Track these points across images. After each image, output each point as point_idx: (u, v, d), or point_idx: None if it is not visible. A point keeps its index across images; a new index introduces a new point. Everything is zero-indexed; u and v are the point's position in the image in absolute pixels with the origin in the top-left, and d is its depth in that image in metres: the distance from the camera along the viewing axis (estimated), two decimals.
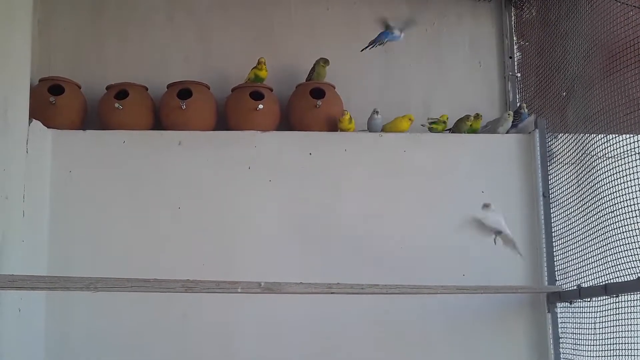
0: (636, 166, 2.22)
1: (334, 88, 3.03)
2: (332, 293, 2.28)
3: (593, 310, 2.47)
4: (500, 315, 2.79)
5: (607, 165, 2.43)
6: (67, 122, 2.85)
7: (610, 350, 2.33)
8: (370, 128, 2.94)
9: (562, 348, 2.71)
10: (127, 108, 2.86)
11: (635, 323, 2.23)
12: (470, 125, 2.96)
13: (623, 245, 2.26)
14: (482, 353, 2.78)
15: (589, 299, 2.48)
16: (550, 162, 2.87)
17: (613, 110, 2.37)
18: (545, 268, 2.80)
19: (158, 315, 2.69)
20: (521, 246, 2.83)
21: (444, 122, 3.02)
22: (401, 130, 2.94)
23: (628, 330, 2.25)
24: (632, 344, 2.22)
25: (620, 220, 2.29)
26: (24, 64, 2.57)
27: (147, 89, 2.98)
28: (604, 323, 2.39)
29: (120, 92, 2.89)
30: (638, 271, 2.15)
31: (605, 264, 2.38)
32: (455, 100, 3.16)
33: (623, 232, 2.27)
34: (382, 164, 2.88)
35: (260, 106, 2.88)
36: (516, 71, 3.23)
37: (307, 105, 2.94)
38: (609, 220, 2.39)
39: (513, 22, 3.27)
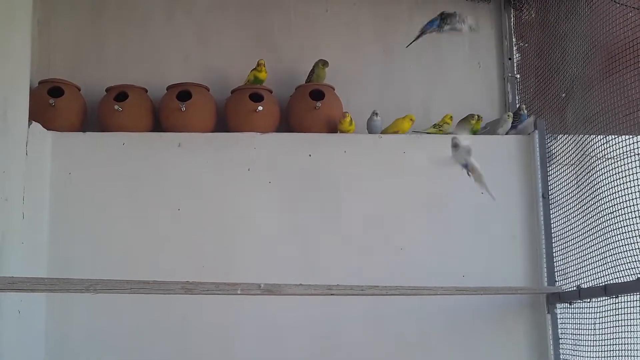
0: (635, 167, 2.22)
1: (334, 89, 3.03)
2: (331, 295, 2.28)
3: (593, 311, 2.47)
4: (500, 316, 2.79)
5: (606, 167, 2.43)
6: (67, 124, 2.85)
7: (610, 350, 2.32)
8: (370, 129, 2.94)
9: (562, 349, 2.72)
10: (126, 110, 2.86)
11: (634, 324, 2.23)
12: (473, 126, 2.96)
13: (622, 246, 2.26)
14: (482, 354, 2.78)
15: (588, 300, 2.49)
16: (549, 163, 2.87)
17: (612, 111, 2.37)
18: (545, 269, 2.80)
19: (158, 317, 2.70)
20: (521, 247, 2.84)
21: (439, 126, 3.02)
22: (402, 130, 2.94)
23: (628, 331, 2.25)
24: (632, 345, 2.22)
25: (620, 221, 2.29)
26: (24, 65, 2.57)
27: (146, 91, 2.99)
28: (603, 324, 2.39)
29: (120, 94, 2.90)
30: (637, 272, 2.16)
31: (605, 265, 2.39)
32: (454, 101, 3.17)
33: (622, 233, 2.27)
34: (381, 165, 2.88)
35: (260, 108, 2.88)
36: (515, 72, 3.24)
37: (306, 107, 2.95)
38: (608, 221, 2.39)
39: (512, 24, 3.27)
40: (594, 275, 2.46)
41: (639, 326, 2.22)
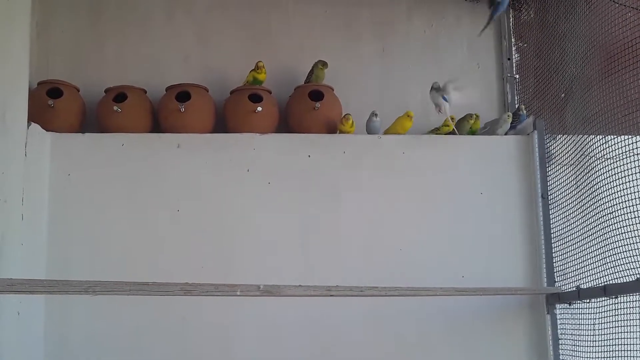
0: (635, 167, 2.22)
1: (333, 90, 3.03)
2: (331, 295, 2.28)
3: (592, 312, 2.47)
4: (499, 317, 2.79)
5: (605, 167, 2.42)
6: (66, 125, 2.85)
7: (610, 351, 2.32)
8: (369, 130, 2.94)
9: (562, 349, 2.72)
10: (125, 111, 2.86)
11: (634, 324, 2.22)
12: (471, 126, 2.96)
13: (622, 246, 2.26)
14: (482, 355, 2.78)
15: (588, 300, 2.48)
16: (549, 164, 2.87)
17: (611, 111, 2.37)
18: (544, 269, 2.80)
19: (157, 318, 2.69)
20: (520, 247, 2.84)
21: (437, 129, 3.04)
22: (404, 129, 2.94)
23: (627, 332, 2.24)
24: (631, 345, 2.21)
25: (619, 222, 2.29)
26: (23, 66, 2.57)
27: (145, 92, 2.99)
28: (603, 324, 2.38)
29: (119, 95, 2.89)
30: (637, 272, 2.15)
31: (604, 265, 2.38)
32: (453, 102, 3.16)
33: (622, 233, 2.26)
34: (381, 165, 2.88)
35: (259, 108, 2.88)
36: (514, 72, 3.23)
37: (305, 108, 2.95)
38: (607, 222, 2.39)
39: (511, 24, 3.27)
40: (594, 275, 2.45)
41: (638, 327, 2.21)
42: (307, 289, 2.26)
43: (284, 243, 2.79)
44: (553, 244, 2.79)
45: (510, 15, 3.28)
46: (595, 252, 2.46)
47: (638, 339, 2.20)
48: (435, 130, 3.05)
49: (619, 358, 2.27)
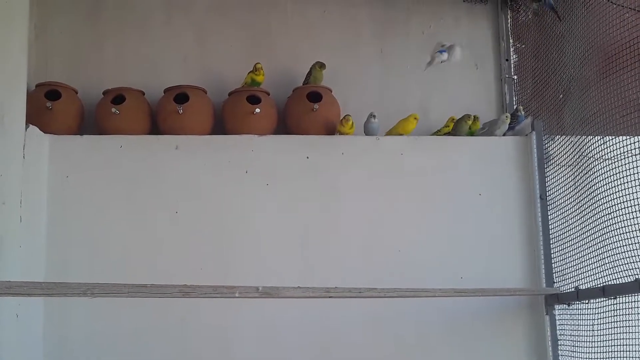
0: (633, 167, 2.22)
1: (331, 91, 3.03)
2: (330, 297, 2.29)
3: (591, 312, 2.47)
4: (498, 318, 2.79)
5: (604, 167, 2.43)
6: (64, 127, 2.85)
7: (609, 352, 2.32)
8: (367, 132, 2.94)
9: (561, 350, 2.72)
10: (123, 113, 2.86)
11: (633, 325, 2.23)
12: (470, 127, 2.96)
13: (621, 247, 2.26)
14: (481, 355, 2.78)
15: (587, 301, 2.48)
16: (547, 164, 2.87)
17: (610, 112, 2.37)
18: (543, 270, 2.80)
19: (156, 319, 2.69)
20: (519, 248, 2.84)
21: (438, 131, 3.04)
22: (408, 131, 2.94)
23: (626, 332, 2.25)
24: (630, 346, 2.22)
25: (618, 222, 2.29)
26: (21, 69, 2.57)
27: (143, 94, 2.98)
28: (602, 325, 2.38)
29: (117, 97, 2.89)
30: (636, 273, 2.15)
31: (603, 266, 2.38)
32: (452, 103, 3.17)
33: (621, 234, 2.27)
34: (379, 167, 2.88)
35: (257, 110, 2.88)
36: (513, 73, 3.24)
37: (304, 109, 2.94)
38: (606, 222, 2.39)
39: (509, 25, 3.27)
40: (593, 276, 2.45)
41: (637, 327, 2.22)
42: (306, 291, 2.26)
43: (283, 244, 2.79)
44: (552, 245, 2.79)
45: (508, 16, 3.28)
46: (594, 252, 2.47)
47: (637, 340, 2.20)
48: (437, 133, 3.05)
49: (618, 359, 2.27)
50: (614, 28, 2.35)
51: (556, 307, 2.74)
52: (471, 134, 2.98)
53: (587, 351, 2.47)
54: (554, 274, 2.76)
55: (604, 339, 2.36)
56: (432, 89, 3.22)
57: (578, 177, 2.62)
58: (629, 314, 2.24)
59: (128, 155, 2.82)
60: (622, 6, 2.36)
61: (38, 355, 2.63)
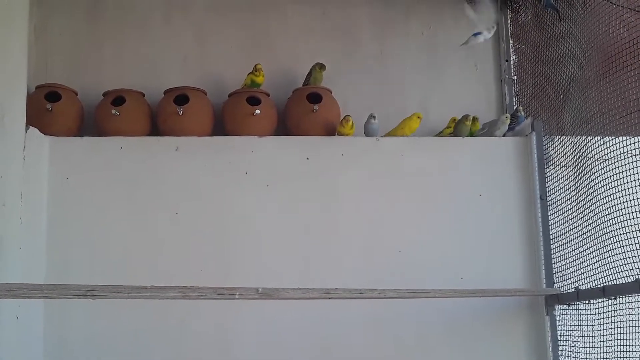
0: (633, 168, 2.22)
1: (331, 92, 3.03)
2: (330, 298, 2.29)
3: (591, 313, 2.47)
4: (498, 318, 2.79)
5: (604, 168, 2.43)
6: (64, 128, 2.85)
7: (609, 352, 2.32)
8: (367, 132, 2.94)
9: (561, 350, 2.71)
10: (124, 114, 2.86)
11: (633, 325, 2.23)
12: (469, 128, 2.96)
13: (621, 247, 2.26)
14: (481, 356, 2.77)
15: (587, 301, 2.48)
16: (547, 165, 2.87)
17: (609, 112, 2.37)
18: (544, 270, 2.80)
19: (156, 320, 2.69)
20: (519, 248, 2.84)
21: (440, 132, 3.05)
22: (412, 129, 2.94)
23: (626, 332, 2.24)
24: (631, 346, 2.22)
25: (618, 222, 2.29)
26: (21, 70, 2.57)
27: (143, 95, 2.99)
28: (602, 325, 2.38)
29: (117, 99, 2.89)
30: (636, 273, 2.15)
31: (603, 266, 2.38)
32: (451, 103, 3.17)
33: (621, 234, 2.26)
34: (379, 167, 2.88)
35: (257, 111, 2.88)
36: (512, 74, 3.23)
37: (304, 110, 2.94)
38: (606, 222, 2.39)
39: (509, 25, 3.27)
40: (593, 276, 2.45)
41: (637, 327, 2.21)
42: (306, 292, 2.26)
43: (283, 245, 2.79)
44: (552, 245, 2.79)
45: (508, 17, 3.28)
46: (594, 253, 2.46)
47: (637, 340, 2.20)
48: (440, 134, 3.06)
49: (619, 359, 2.27)
50: (614, 28, 2.35)
51: (556, 307, 2.74)
52: (471, 134, 2.98)
53: (587, 352, 2.47)
54: (554, 275, 2.76)
55: (604, 340, 2.36)
56: (431, 90, 3.22)
57: (578, 178, 2.62)
58: (629, 315, 2.24)
59: (128, 157, 2.82)
60: (622, 6, 2.36)
61: (38, 356, 2.63)
